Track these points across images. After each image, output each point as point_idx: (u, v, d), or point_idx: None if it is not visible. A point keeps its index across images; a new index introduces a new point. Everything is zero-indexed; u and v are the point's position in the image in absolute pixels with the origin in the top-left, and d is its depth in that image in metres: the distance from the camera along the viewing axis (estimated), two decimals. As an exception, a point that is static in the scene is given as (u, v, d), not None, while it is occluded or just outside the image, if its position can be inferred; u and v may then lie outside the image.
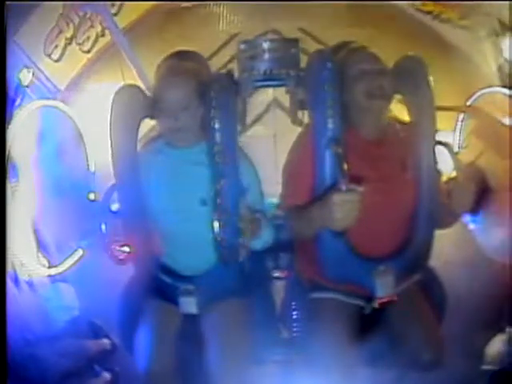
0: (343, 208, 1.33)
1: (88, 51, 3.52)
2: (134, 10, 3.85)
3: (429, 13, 3.74)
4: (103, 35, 3.59)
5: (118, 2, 3.67)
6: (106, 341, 2.27)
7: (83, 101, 2.94)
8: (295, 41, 2.46)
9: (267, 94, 3.31)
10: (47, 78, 2.95)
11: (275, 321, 1.83)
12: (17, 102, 2.43)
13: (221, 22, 4.01)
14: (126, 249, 1.69)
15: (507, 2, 2.60)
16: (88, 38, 3.49)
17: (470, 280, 2.34)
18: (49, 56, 3.08)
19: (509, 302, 2.05)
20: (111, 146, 1.61)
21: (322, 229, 1.50)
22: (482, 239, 2.65)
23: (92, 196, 2.57)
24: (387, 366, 1.68)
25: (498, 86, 2.73)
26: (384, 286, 1.61)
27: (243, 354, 1.60)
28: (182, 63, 1.66)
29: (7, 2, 1.80)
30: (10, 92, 2.33)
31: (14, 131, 2.29)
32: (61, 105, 2.75)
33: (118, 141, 1.61)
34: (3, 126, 1.90)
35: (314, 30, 2.70)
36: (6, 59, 1.84)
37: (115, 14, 3.40)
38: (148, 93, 1.67)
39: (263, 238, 1.60)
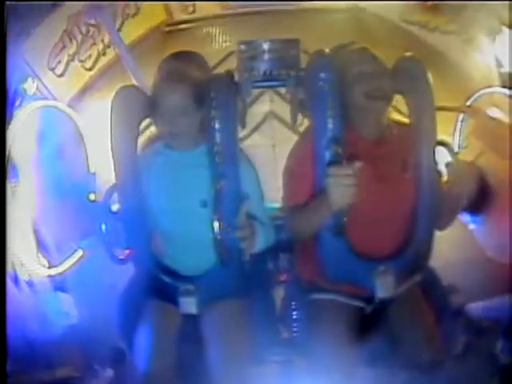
0: (341, 182, 1.34)
1: (90, 69, 3.56)
2: (132, 31, 3.92)
3: (415, 23, 3.79)
4: (104, 54, 3.65)
5: (119, 21, 3.73)
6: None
7: (85, 117, 2.95)
8: (295, 41, 2.46)
9: (264, 106, 3.36)
10: (50, 92, 2.97)
11: (275, 321, 1.83)
12: (17, 102, 2.43)
13: (217, 41, 4.11)
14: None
15: (507, 2, 2.60)
16: (90, 55, 3.53)
17: (470, 280, 2.34)
18: (52, 70, 3.11)
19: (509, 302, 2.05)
20: (111, 146, 1.61)
21: (324, 218, 1.50)
22: (482, 239, 2.65)
23: (92, 196, 2.57)
24: (387, 367, 1.68)
25: (498, 86, 2.73)
26: (384, 287, 1.61)
27: (243, 354, 1.60)
28: (180, 67, 1.65)
29: (7, 2, 1.80)
30: (10, 94, 2.33)
31: (14, 131, 2.29)
32: (61, 105, 2.76)
33: (118, 141, 1.61)
34: (3, 126, 1.90)
35: (308, 45, 2.72)
36: (7, 60, 1.84)
37: (116, 33, 3.44)
38: (148, 93, 1.67)
39: (258, 244, 1.59)
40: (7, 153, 2.17)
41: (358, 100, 1.57)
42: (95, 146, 2.77)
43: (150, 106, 1.60)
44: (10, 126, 2.27)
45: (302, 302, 1.78)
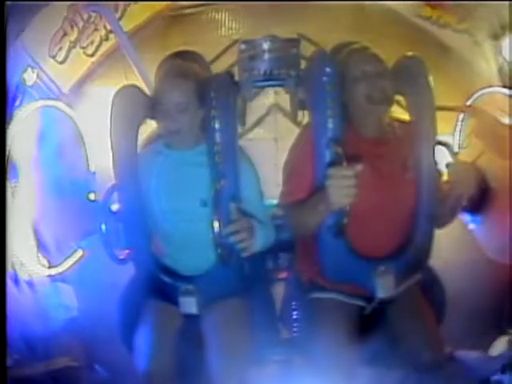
0: (341, 183, 1.34)
1: (92, 55, 3.55)
2: (136, 15, 3.90)
3: (428, 18, 3.77)
4: (107, 39, 3.62)
5: (122, 7, 3.71)
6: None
7: (86, 104, 2.95)
8: (295, 41, 2.46)
9: (268, 98, 3.34)
10: (51, 80, 2.97)
11: (275, 321, 1.83)
12: (17, 102, 2.43)
13: (222, 27, 4.10)
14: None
15: (507, 2, 2.60)
16: (92, 41, 3.52)
17: (470, 280, 2.34)
18: (53, 58, 3.10)
19: (509, 303, 2.05)
20: (111, 146, 1.61)
21: (322, 217, 1.49)
22: (482, 239, 2.65)
23: (92, 196, 2.57)
24: (387, 366, 1.68)
25: (498, 86, 2.73)
26: (384, 286, 1.61)
27: (243, 353, 1.60)
28: (181, 65, 1.66)
29: (7, 2, 1.80)
30: (11, 92, 2.33)
31: (14, 131, 2.29)
32: (61, 105, 2.75)
33: (118, 141, 1.61)
34: (3, 126, 1.90)
35: (314, 36, 2.72)
36: (7, 60, 1.84)
37: (119, 19, 3.42)
38: (148, 93, 1.68)
39: (257, 243, 1.58)
40: (7, 153, 2.17)
41: (359, 101, 1.57)
42: (95, 145, 2.77)
43: (152, 103, 1.60)
44: (10, 126, 2.27)
45: (302, 302, 1.78)
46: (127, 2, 3.80)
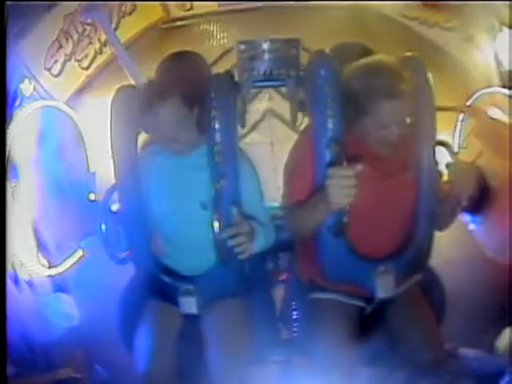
0: (342, 183, 1.33)
1: (87, 68, 3.57)
2: (130, 28, 3.92)
3: (415, 19, 3.80)
4: (101, 53, 3.66)
5: (116, 19, 3.75)
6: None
7: (83, 116, 2.95)
8: (295, 41, 2.46)
9: (262, 103, 3.37)
10: (46, 92, 2.97)
11: (275, 321, 1.83)
12: (17, 102, 2.43)
13: (215, 37, 4.15)
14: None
15: (507, 2, 2.60)
16: (86, 55, 3.55)
17: (470, 280, 2.34)
18: (48, 70, 3.11)
19: (509, 303, 2.05)
20: (111, 145, 1.61)
21: (322, 216, 1.49)
22: (482, 239, 2.65)
23: (92, 196, 2.57)
24: (387, 366, 1.68)
25: (498, 86, 2.73)
26: (384, 287, 1.61)
27: (243, 353, 1.60)
28: (179, 66, 1.64)
29: (7, 2, 1.80)
30: (10, 94, 2.34)
31: (14, 131, 2.29)
32: (61, 105, 2.76)
33: (118, 141, 1.61)
34: (3, 126, 1.90)
35: (307, 42, 2.72)
36: (7, 59, 1.84)
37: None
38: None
39: (257, 246, 1.58)
40: (7, 153, 2.17)
41: (371, 127, 1.50)
42: (95, 146, 2.77)
43: (143, 120, 1.56)
44: (10, 126, 2.27)
45: (302, 302, 1.78)
46: (123, 11, 3.83)
